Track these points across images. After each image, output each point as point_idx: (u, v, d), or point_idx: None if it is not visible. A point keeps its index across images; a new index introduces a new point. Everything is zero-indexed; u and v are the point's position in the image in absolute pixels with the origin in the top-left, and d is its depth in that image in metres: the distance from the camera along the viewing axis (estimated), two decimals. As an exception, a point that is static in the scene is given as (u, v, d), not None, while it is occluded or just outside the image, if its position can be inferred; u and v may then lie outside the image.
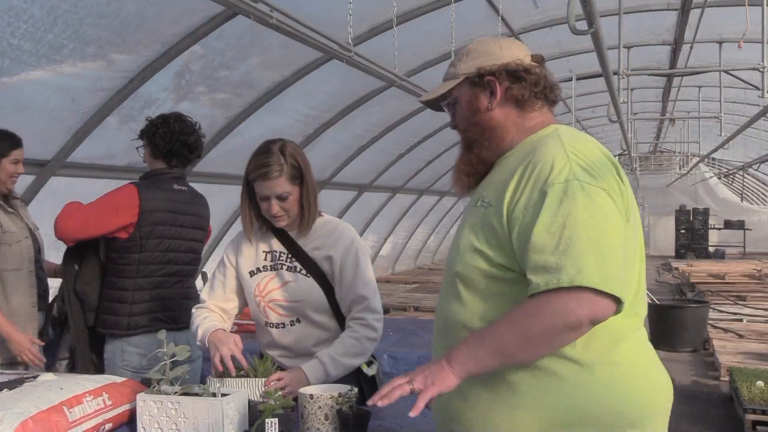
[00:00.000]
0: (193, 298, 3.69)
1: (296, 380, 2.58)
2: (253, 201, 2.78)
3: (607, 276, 1.56)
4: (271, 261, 2.81)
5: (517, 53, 1.91)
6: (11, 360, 3.49)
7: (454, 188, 2.00)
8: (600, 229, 1.60)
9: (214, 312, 2.88)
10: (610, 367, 1.69)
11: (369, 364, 2.85)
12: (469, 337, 1.70)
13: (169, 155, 3.62)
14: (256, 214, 2.80)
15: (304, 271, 2.77)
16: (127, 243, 3.48)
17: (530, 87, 1.87)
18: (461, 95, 1.94)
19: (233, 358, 2.59)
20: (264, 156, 2.70)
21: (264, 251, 2.83)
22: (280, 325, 2.79)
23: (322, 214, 2.88)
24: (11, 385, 2.40)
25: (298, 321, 2.78)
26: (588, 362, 1.67)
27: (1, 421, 2.11)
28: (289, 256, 2.79)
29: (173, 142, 3.59)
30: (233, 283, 2.88)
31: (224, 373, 2.58)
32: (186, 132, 3.62)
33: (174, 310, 3.60)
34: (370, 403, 1.79)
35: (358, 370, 2.83)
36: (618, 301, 1.59)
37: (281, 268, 2.79)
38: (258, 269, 2.83)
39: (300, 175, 2.73)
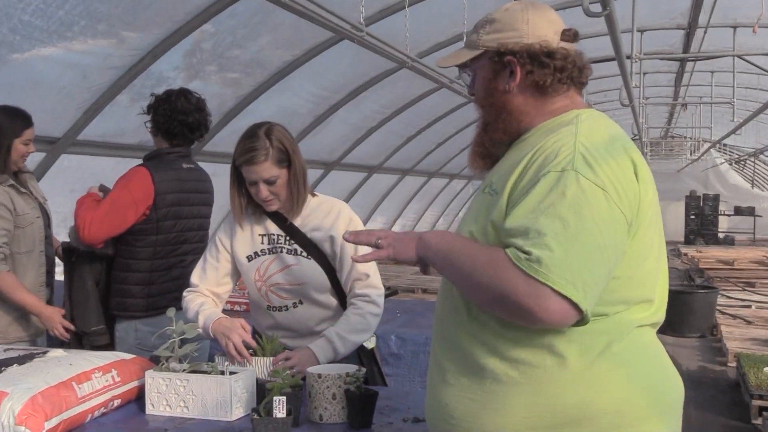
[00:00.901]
0: None
1: (305, 359, 2.59)
2: (242, 186, 2.76)
3: (574, 283, 1.47)
4: (269, 244, 2.80)
5: (545, 31, 1.74)
6: (35, 335, 3.54)
7: (469, 167, 1.90)
8: (580, 230, 1.50)
9: (207, 297, 2.86)
10: (604, 366, 1.58)
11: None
12: (451, 235, 1.69)
13: (168, 134, 3.57)
14: (248, 199, 2.79)
15: (305, 254, 2.76)
16: (144, 226, 3.47)
17: (554, 73, 1.72)
18: (480, 69, 1.81)
19: (245, 343, 2.60)
20: (250, 140, 2.68)
21: (260, 234, 2.82)
22: (283, 308, 2.79)
23: (316, 194, 2.87)
24: (21, 360, 2.42)
25: (301, 303, 2.78)
26: (582, 361, 1.57)
27: (11, 396, 2.13)
28: (288, 238, 2.78)
29: (171, 120, 3.54)
30: (227, 267, 2.86)
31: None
32: (186, 111, 3.55)
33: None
34: (346, 236, 1.85)
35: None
36: (579, 311, 1.50)
37: (281, 251, 2.78)
38: (256, 253, 2.81)
39: (287, 158, 2.70)
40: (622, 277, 1.60)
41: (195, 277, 2.90)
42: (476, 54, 1.80)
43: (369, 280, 2.77)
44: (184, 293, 2.89)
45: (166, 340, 3.41)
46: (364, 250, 2.76)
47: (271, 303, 2.80)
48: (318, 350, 2.64)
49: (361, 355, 2.87)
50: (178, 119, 3.53)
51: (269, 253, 2.80)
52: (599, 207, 1.52)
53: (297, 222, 2.79)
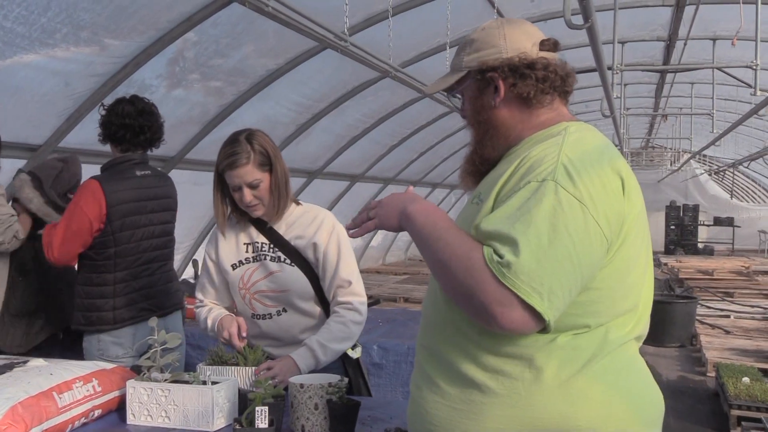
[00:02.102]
0: (174, 279, 3.72)
1: (286, 368, 2.60)
2: (225, 193, 2.78)
3: (540, 293, 1.48)
4: (254, 252, 2.82)
5: (523, 44, 1.76)
6: None
7: (460, 185, 1.91)
8: (553, 239, 1.50)
9: (215, 306, 2.94)
10: (583, 379, 1.58)
11: (353, 347, 2.88)
12: (437, 214, 1.69)
13: (114, 139, 3.56)
14: (232, 207, 2.81)
15: (288, 261, 2.78)
16: (101, 239, 3.45)
17: (536, 83, 1.74)
18: (466, 89, 1.84)
19: (228, 352, 2.62)
20: (231, 146, 2.71)
21: (245, 243, 2.84)
22: (267, 316, 2.80)
23: (300, 202, 2.90)
24: (1, 370, 2.40)
25: (285, 310, 2.79)
26: (561, 375, 1.57)
27: (-9, 405, 2.11)
28: (272, 246, 2.80)
29: (113, 125, 3.53)
30: (222, 279, 2.90)
31: (215, 361, 2.58)
32: (128, 114, 3.53)
33: (157, 297, 3.60)
34: (350, 232, 1.88)
35: (343, 354, 2.85)
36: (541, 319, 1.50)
37: (265, 259, 2.80)
38: (240, 262, 2.83)
39: (269, 162, 2.73)
40: (605, 289, 1.61)
41: (199, 293, 2.96)
42: (460, 76, 1.83)
43: (351, 287, 2.78)
44: (195, 308, 2.96)
45: (128, 349, 3.44)
46: (347, 256, 2.79)
47: (255, 311, 2.80)
48: (299, 359, 2.65)
49: (346, 364, 2.87)
50: (120, 123, 3.51)
51: (253, 261, 2.81)
52: (575, 219, 1.52)
53: (281, 229, 2.81)
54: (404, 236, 16.79)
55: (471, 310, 1.56)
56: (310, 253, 2.79)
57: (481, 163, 1.82)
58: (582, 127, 1.74)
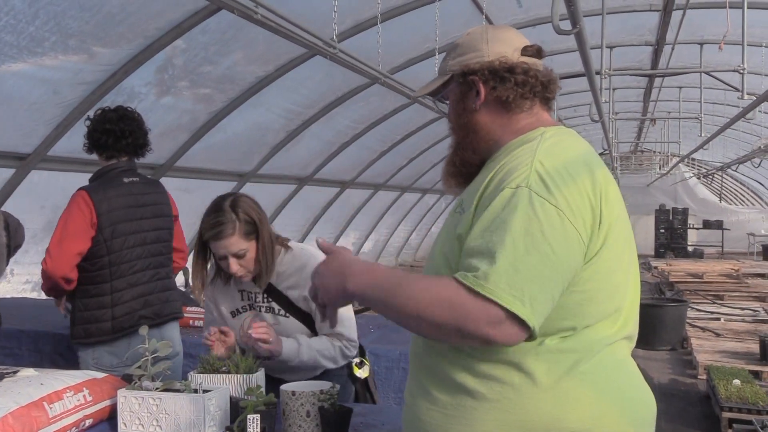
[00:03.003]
0: (172, 288, 3.70)
1: (276, 339, 2.65)
2: (207, 260, 2.77)
3: (521, 299, 1.47)
4: (248, 301, 2.84)
5: (504, 48, 1.78)
6: None
7: (443, 187, 1.91)
8: (529, 246, 1.50)
9: None
10: (572, 383, 1.58)
11: (360, 365, 2.89)
12: (378, 278, 1.62)
13: (98, 147, 3.57)
14: (217, 268, 2.81)
15: (282, 312, 2.79)
16: (94, 249, 3.45)
17: (515, 88, 1.75)
18: (450, 93, 1.86)
19: (218, 361, 2.62)
20: (215, 215, 2.67)
21: (239, 290, 2.86)
22: (267, 357, 2.76)
23: (290, 245, 2.85)
24: (-9, 380, 2.38)
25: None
26: (550, 378, 1.58)
27: (-19, 416, 2.10)
28: (265, 296, 2.81)
29: (95, 131, 3.55)
30: (222, 321, 2.90)
31: (206, 369, 2.58)
32: (109, 120, 3.55)
33: (156, 305, 3.59)
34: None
35: (350, 373, 2.90)
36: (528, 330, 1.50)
37: (260, 311, 2.81)
38: (237, 310, 2.86)
39: (255, 230, 2.70)
40: (589, 291, 1.61)
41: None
42: (445, 80, 1.85)
43: (342, 336, 2.81)
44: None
45: (121, 358, 3.43)
46: (343, 312, 2.78)
47: (258, 353, 2.77)
48: (285, 343, 2.69)
49: (353, 383, 2.91)
50: (102, 129, 3.53)
51: (250, 309, 2.84)
52: (551, 224, 1.53)
53: (273, 279, 2.80)
54: (395, 242, 16.82)
55: (465, 341, 1.56)
56: (303, 304, 2.79)
57: (462, 166, 1.83)
58: (560, 132, 1.75)
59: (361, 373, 2.87)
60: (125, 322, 3.48)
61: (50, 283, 3.48)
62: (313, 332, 2.81)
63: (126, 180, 3.58)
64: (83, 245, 3.43)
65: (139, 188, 3.61)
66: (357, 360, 2.89)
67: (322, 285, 1.71)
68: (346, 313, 2.84)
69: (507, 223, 1.53)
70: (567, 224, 1.54)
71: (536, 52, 1.82)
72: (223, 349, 2.71)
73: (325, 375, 2.82)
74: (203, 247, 2.74)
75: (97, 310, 3.49)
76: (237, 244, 2.66)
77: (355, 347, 2.86)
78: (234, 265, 2.68)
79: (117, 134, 3.54)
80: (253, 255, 2.71)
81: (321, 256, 2.68)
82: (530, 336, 1.51)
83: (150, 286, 3.59)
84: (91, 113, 3.71)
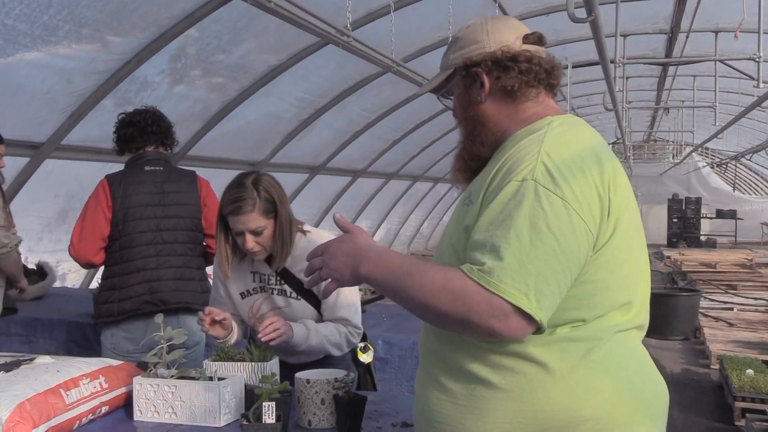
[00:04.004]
0: (188, 277, 3.67)
1: (286, 326, 2.66)
2: (228, 235, 2.77)
3: (526, 293, 1.48)
4: (260, 283, 2.83)
5: (506, 37, 1.77)
6: None
7: (452, 182, 1.91)
8: (534, 239, 1.50)
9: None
10: (584, 372, 1.58)
11: (365, 350, 2.88)
12: (390, 262, 1.63)
13: (125, 141, 3.70)
14: (232, 249, 2.80)
15: (294, 294, 2.79)
16: (111, 231, 3.56)
17: (519, 76, 1.74)
18: (454, 87, 1.85)
19: (231, 349, 2.63)
20: (236, 190, 2.68)
21: (251, 272, 2.85)
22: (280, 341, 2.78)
23: (305, 230, 2.85)
24: (8, 367, 2.40)
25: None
26: (562, 368, 1.57)
27: (-2, 403, 2.12)
28: (278, 279, 2.81)
29: (118, 130, 3.71)
30: (230, 302, 2.90)
31: (221, 357, 2.59)
32: (131, 114, 3.71)
33: (162, 292, 3.59)
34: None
35: (354, 357, 2.89)
36: (536, 324, 1.51)
37: (272, 293, 2.81)
38: (248, 291, 2.85)
39: (274, 209, 2.71)
40: (599, 281, 1.61)
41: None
42: (448, 74, 1.84)
43: (348, 322, 2.82)
44: None
45: (137, 344, 3.50)
46: (346, 294, 2.79)
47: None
48: (295, 328, 2.70)
49: (357, 368, 2.91)
50: (127, 121, 3.69)
51: (260, 291, 2.83)
52: (557, 216, 1.53)
53: (287, 262, 2.80)
54: (407, 231, 16.83)
55: (471, 332, 1.56)
56: (314, 289, 2.78)
57: (471, 160, 1.82)
58: (568, 121, 1.74)
59: (365, 357, 2.88)
60: (128, 304, 3.54)
61: (81, 265, 3.74)
62: (320, 310, 2.82)
63: (148, 168, 3.65)
64: (103, 229, 3.55)
65: (160, 176, 3.66)
66: (362, 345, 2.90)
67: (332, 262, 1.70)
68: (352, 298, 2.84)
69: (512, 216, 1.53)
70: (574, 216, 1.54)
71: (538, 39, 1.81)
72: (222, 330, 2.71)
73: (328, 358, 2.83)
74: (223, 221, 2.75)
75: (107, 291, 3.59)
76: (255, 220, 2.66)
77: (360, 334, 2.87)
78: (250, 242, 2.68)
79: (141, 125, 3.66)
80: (270, 233, 2.71)
81: None
82: (538, 329, 1.52)
83: (158, 272, 3.60)
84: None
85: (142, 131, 3.66)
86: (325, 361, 2.82)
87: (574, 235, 1.53)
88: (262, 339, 2.58)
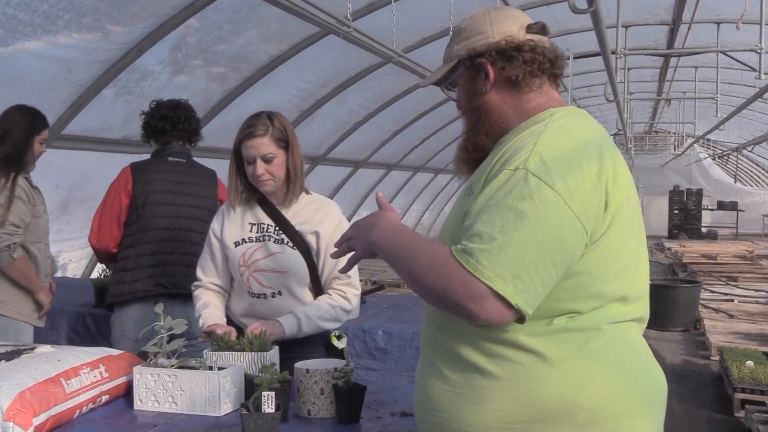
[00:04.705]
0: None
1: (272, 328, 2.69)
2: (240, 170, 2.82)
3: (504, 278, 1.50)
4: (258, 233, 2.85)
5: (509, 27, 1.77)
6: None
7: (455, 173, 1.91)
8: (519, 225, 1.52)
9: (210, 290, 2.94)
10: (582, 362, 1.59)
11: (339, 337, 2.91)
12: (397, 233, 1.71)
13: (155, 132, 3.76)
14: (244, 184, 2.84)
15: (290, 244, 2.81)
16: (129, 215, 3.66)
17: (524, 66, 1.74)
18: (458, 79, 1.85)
19: (228, 340, 2.64)
20: (251, 119, 2.78)
21: (250, 223, 2.87)
22: (262, 296, 2.83)
23: (309, 192, 2.93)
24: (9, 356, 2.41)
25: (280, 293, 2.83)
26: (559, 358, 1.58)
27: (-1, 391, 2.12)
28: (277, 228, 2.84)
29: (150, 120, 3.76)
30: (222, 257, 2.91)
31: (221, 347, 2.59)
32: (165, 107, 3.76)
33: (174, 275, 3.66)
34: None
35: (327, 343, 2.90)
36: (518, 312, 1.52)
37: (268, 240, 2.83)
38: (243, 240, 2.86)
39: (286, 140, 2.78)
40: (595, 272, 1.61)
41: (198, 271, 2.98)
42: (451, 66, 1.84)
43: (349, 279, 2.84)
44: (192, 288, 2.99)
45: (149, 333, 3.50)
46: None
47: (251, 289, 2.83)
48: (285, 323, 2.73)
49: (329, 352, 2.90)
50: (159, 115, 3.74)
51: (256, 241, 2.85)
52: (544, 205, 1.53)
53: (287, 215, 2.84)
54: (408, 221, 16.82)
55: (449, 310, 1.59)
56: (312, 240, 2.83)
57: (475, 150, 1.82)
58: (570, 113, 1.75)
59: (339, 344, 2.90)
60: (139, 285, 3.61)
61: (99, 256, 3.82)
62: (312, 267, 2.84)
63: (171, 159, 3.76)
64: (122, 217, 3.67)
65: (181, 168, 3.77)
66: (336, 332, 2.92)
67: (357, 233, 1.80)
68: None
69: (500, 203, 1.55)
70: (562, 207, 1.54)
71: (541, 29, 1.81)
72: (220, 330, 2.72)
73: (304, 343, 2.82)
74: (237, 154, 2.80)
75: (120, 273, 3.67)
76: (267, 146, 2.73)
77: (358, 295, 2.89)
78: (260, 168, 2.73)
79: (174, 120, 3.74)
80: (281, 164, 2.77)
81: (337, 208, 2.76)
82: (520, 316, 1.53)
83: (172, 257, 3.68)
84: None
85: (174, 127, 3.76)
86: (299, 346, 2.80)
87: (560, 226, 1.54)
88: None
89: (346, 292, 2.84)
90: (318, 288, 2.87)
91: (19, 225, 3.51)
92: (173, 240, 3.68)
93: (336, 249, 1.88)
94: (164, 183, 3.68)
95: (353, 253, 1.82)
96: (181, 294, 3.60)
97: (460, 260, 1.52)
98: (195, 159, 3.90)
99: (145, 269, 3.63)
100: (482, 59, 1.77)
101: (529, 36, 1.78)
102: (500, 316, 1.53)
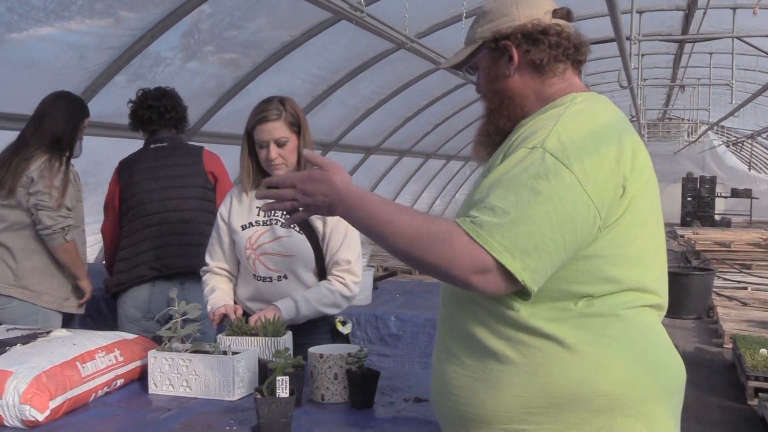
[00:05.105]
0: (194, 244, 3.76)
1: (269, 314, 2.70)
2: (252, 154, 2.84)
3: (512, 252, 1.49)
4: (265, 216, 2.87)
5: (536, 11, 1.76)
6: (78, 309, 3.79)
7: (473, 156, 1.90)
8: (532, 203, 1.51)
9: (218, 274, 2.97)
10: (600, 348, 1.58)
11: (344, 323, 2.93)
12: (374, 205, 1.64)
13: (141, 122, 3.88)
14: (255, 169, 2.85)
15: (297, 228, 2.83)
16: (121, 209, 3.82)
17: (549, 50, 1.73)
18: (481, 61, 1.83)
19: (243, 325, 2.66)
20: (264, 104, 2.81)
21: (258, 207, 2.89)
22: (267, 279, 2.84)
23: None
24: (25, 340, 2.43)
25: (285, 277, 2.84)
26: (577, 343, 1.58)
27: (15, 375, 2.15)
28: (284, 213, 2.83)
29: (137, 110, 3.87)
30: (229, 241, 2.94)
31: (235, 332, 2.60)
32: (152, 97, 3.85)
33: (166, 258, 3.73)
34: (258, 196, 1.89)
35: (333, 329, 2.93)
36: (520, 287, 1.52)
37: (275, 224, 2.85)
38: (251, 223, 2.88)
39: (298, 125, 2.81)
40: (608, 256, 1.61)
41: (207, 256, 3.00)
42: (474, 48, 1.83)
43: (350, 266, 2.85)
44: (201, 273, 3.02)
45: (146, 312, 3.72)
46: (352, 237, 2.82)
47: (257, 272, 2.85)
48: (282, 307, 2.75)
49: (335, 339, 2.92)
50: (146, 105, 3.85)
51: (263, 225, 2.86)
52: (559, 185, 1.53)
53: None
54: (419, 208, 16.74)
55: (448, 280, 1.59)
56: (318, 225, 2.85)
57: (495, 134, 1.81)
58: (591, 98, 1.74)
59: (344, 329, 2.92)
60: (134, 272, 3.71)
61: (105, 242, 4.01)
62: (318, 252, 2.84)
63: (152, 146, 3.84)
64: (117, 210, 3.85)
65: (165, 152, 3.83)
66: (341, 318, 2.93)
67: (306, 198, 1.72)
68: (357, 244, 2.88)
69: (515, 179, 1.54)
70: (577, 189, 1.54)
71: (566, 14, 1.81)
72: (225, 311, 2.77)
73: (309, 329, 2.84)
74: (249, 139, 2.83)
75: (119, 263, 3.80)
76: (280, 130, 2.76)
77: (358, 283, 2.89)
78: (273, 152, 2.75)
79: (160, 110, 3.83)
80: (293, 148, 2.79)
81: None
82: (523, 293, 1.54)
83: (162, 239, 3.76)
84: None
85: (160, 116, 3.84)
86: (304, 332, 2.81)
87: (573, 207, 1.54)
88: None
89: (345, 279, 2.85)
90: (323, 273, 2.89)
91: (71, 209, 3.61)
92: (162, 223, 3.76)
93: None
94: (147, 171, 3.77)
95: (301, 210, 1.75)
96: (175, 274, 3.71)
97: (468, 231, 1.51)
98: (206, 144, 3.95)
99: (138, 256, 3.73)
100: (507, 41, 1.76)
101: (555, 20, 1.78)
102: (498, 289, 1.53)
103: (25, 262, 3.58)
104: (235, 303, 2.90)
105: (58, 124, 3.66)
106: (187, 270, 3.72)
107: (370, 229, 1.64)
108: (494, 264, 1.50)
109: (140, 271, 3.71)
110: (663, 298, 1.73)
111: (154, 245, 3.73)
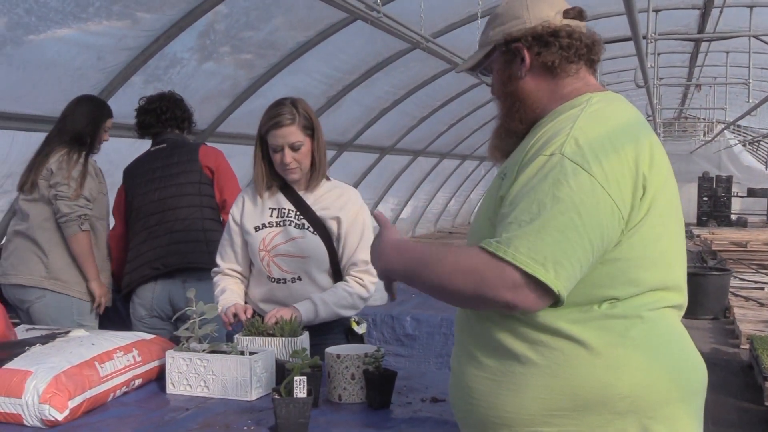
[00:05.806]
0: (191, 240, 3.80)
1: (288, 315, 2.70)
2: (266, 157, 2.83)
3: (543, 264, 1.48)
4: (279, 218, 2.86)
5: (546, 12, 1.76)
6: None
7: (488, 159, 1.91)
8: (555, 211, 1.50)
9: (230, 276, 2.96)
10: (622, 349, 1.57)
11: (358, 323, 2.93)
12: (408, 252, 1.69)
13: (143, 127, 3.97)
14: (268, 172, 2.85)
15: (311, 229, 2.83)
16: (126, 212, 3.95)
17: (560, 52, 1.74)
18: (493, 63, 1.85)
19: (260, 324, 2.67)
20: (276, 108, 2.79)
21: (270, 208, 2.88)
22: (282, 281, 2.84)
23: (330, 178, 2.95)
24: (44, 340, 2.45)
25: (299, 279, 2.84)
26: (600, 345, 1.57)
27: (35, 375, 2.16)
28: (298, 213, 2.85)
29: (139, 116, 3.96)
30: (241, 242, 2.93)
31: (252, 332, 2.61)
32: (150, 101, 3.95)
33: (165, 256, 3.79)
34: None
35: (347, 329, 2.93)
36: (553, 296, 1.51)
37: (289, 225, 2.84)
38: (264, 225, 2.88)
39: (312, 128, 2.80)
40: (633, 259, 1.60)
41: (217, 258, 3.00)
42: (487, 51, 1.84)
43: (368, 266, 2.84)
44: (212, 274, 3.01)
45: (150, 310, 3.79)
46: (368, 237, 2.81)
47: (271, 274, 2.85)
48: (302, 309, 2.75)
49: (350, 339, 2.92)
50: (144, 110, 3.96)
51: (276, 226, 2.86)
52: (581, 190, 1.52)
53: (309, 200, 2.85)
54: (434, 208, 16.81)
55: (488, 307, 1.60)
56: (332, 225, 2.85)
57: (508, 136, 1.82)
58: (607, 98, 1.73)
59: (359, 329, 2.92)
60: (138, 273, 3.80)
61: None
62: (333, 253, 2.85)
63: (152, 148, 3.93)
64: (122, 217, 4.01)
65: (162, 153, 3.90)
66: (356, 318, 2.93)
67: (373, 263, 1.83)
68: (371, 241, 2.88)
69: (536, 189, 1.54)
70: (599, 192, 1.53)
71: (578, 14, 1.80)
72: (243, 312, 2.76)
73: (324, 329, 2.84)
74: (262, 142, 2.83)
75: (126, 264, 3.90)
76: (295, 134, 2.75)
77: (375, 283, 2.89)
78: (288, 156, 2.75)
79: (157, 112, 3.91)
80: (307, 151, 2.79)
81: (358, 194, 2.83)
82: (556, 302, 1.52)
83: (160, 239, 3.81)
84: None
85: (158, 118, 3.92)
86: (320, 333, 2.81)
87: (597, 210, 1.53)
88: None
89: (363, 280, 2.85)
90: (338, 274, 2.88)
91: (90, 200, 3.69)
92: (159, 223, 3.82)
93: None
94: (145, 174, 3.87)
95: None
96: (175, 271, 3.76)
97: (495, 251, 1.50)
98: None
99: (141, 256, 3.81)
100: (518, 44, 1.76)
101: (566, 21, 1.77)
102: (537, 303, 1.52)
103: (53, 255, 3.67)
104: (246, 304, 2.90)
105: (79, 123, 3.78)
106: (185, 266, 3.77)
107: (409, 275, 1.68)
108: (524, 279, 1.49)
109: (143, 270, 3.80)
110: (684, 299, 1.73)
111: (153, 245, 3.81)
